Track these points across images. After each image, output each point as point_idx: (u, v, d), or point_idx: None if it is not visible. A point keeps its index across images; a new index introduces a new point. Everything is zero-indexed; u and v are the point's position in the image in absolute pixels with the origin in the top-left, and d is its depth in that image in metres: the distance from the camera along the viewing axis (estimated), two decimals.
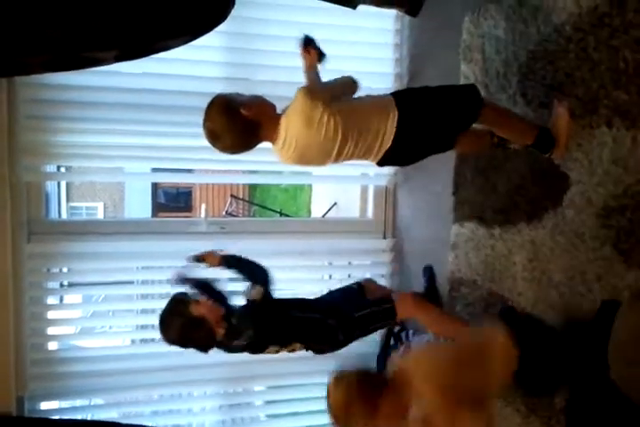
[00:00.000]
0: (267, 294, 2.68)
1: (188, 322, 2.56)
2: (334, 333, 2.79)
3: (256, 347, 2.75)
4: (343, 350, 2.91)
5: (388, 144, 2.42)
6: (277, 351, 2.80)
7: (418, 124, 2.43)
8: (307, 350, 2.87)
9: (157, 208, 18.82)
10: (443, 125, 2.48)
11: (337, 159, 2.48)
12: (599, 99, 2.36)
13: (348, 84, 2.52)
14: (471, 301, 3.23)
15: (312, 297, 3.11)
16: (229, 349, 2.77)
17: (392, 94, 2.50)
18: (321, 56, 2.50)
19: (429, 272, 3.57)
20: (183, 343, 2.63)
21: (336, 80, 2.49)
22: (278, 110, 2.42)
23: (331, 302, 2.99)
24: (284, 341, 2.77)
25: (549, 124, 2.57)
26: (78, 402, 3.90)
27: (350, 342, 2.89)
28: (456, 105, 2.47)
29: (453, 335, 3.21)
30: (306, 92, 2.30)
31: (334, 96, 2.38)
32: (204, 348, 2.67)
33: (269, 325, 2.70)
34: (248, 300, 2.69)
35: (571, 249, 2.54)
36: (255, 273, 2.74)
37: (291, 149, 2.40)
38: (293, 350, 2.83)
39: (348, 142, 2.39)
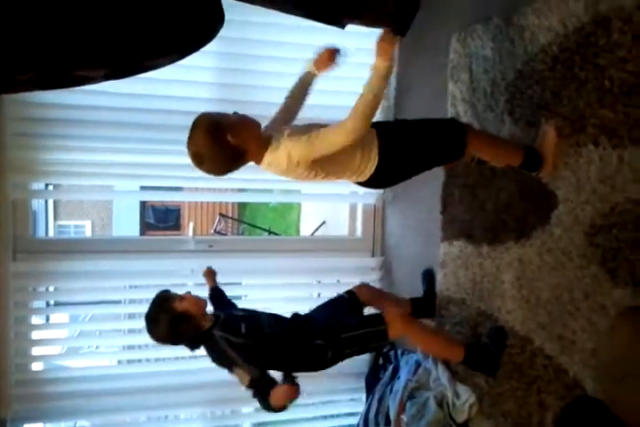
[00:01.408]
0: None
1: (175, 317, 2.60)
2: (323, 352, 2.74)
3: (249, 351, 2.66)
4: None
5: (369, 175, 2.45)
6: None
7: (400, 158, 2.46)
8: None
9: (145, 226, 18.76)
10: (426, 161, 2.53)
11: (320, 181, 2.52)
12: (586, 117, 2.38)
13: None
14: (460, 320, 3.21)
15: (302, 314, 3.06)
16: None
17: (374, 128, 2.42)
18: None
19: (429, 275, 3.54)
20: (172, 339, 2.67)
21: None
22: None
23: (319, 323, 2.93)
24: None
25: (537, 142, 2.58)
26: (62, 424, 3.84)
27: (339, 360, 2.83)
28: (440, 144, 2.50)
29: (443, 357, 3.21)
30: (291, 153, 2.26)
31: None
32: (193, 342, 2.70)
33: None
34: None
35: (558, 267, 2.54)
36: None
37: (275, 172, 2.42)
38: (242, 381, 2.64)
39: (328, 179, 2.46)
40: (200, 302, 2.70)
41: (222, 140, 2.21)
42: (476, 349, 2.93)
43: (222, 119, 2.28)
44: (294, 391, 2.51)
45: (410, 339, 3.00)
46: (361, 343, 2.81)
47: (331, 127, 2.25)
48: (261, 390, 2.56)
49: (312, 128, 2.29)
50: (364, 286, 3.36)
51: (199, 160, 2.26)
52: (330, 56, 2.58)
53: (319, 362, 2.79)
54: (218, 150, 2.23)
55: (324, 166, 2.36)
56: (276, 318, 2.88)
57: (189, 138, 2.25)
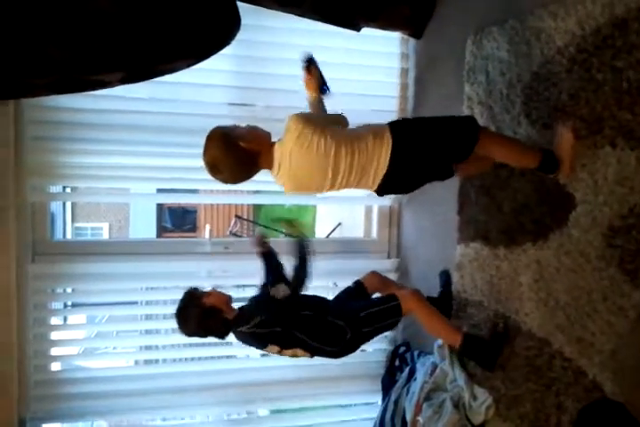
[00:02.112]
0: (290, 297, 2.81)
1: (203, 313, 2.78)
2: (342, 332, 2.86)
3: (259, 338, 2.86)
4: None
5: (383, 169, 2.46)
6: (279, 352, 2.89)
7: (413, 150, 2.47)
8: (311, 355, 2.93)
9: (162, 229, 18.82)
10: (438, 153, 2.51)
11: (333, 183, 2.51)
12: (603, 119, 2.37)
13: (340, 118, 2.63)
14: (477, 321, 3.20)
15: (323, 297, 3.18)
16: (236, 335, 2.88)
17: (388, 123, 2.53)
18: (323, 86, 2.66)
19: (446, 277, 3.53)
20: (202, 333, 2.87)
21: (328, 114, 2.61)
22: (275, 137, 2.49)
23: (337, 305, 3.09)
24: (286, 342, 2.85)
25: (554, 145, 2.58)
26: (80, 424, 3.87)
27: (359, 342, 2.95)
28: (451, 135, 2.50)
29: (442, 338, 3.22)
30: (297, 116, 2.38)
31: (326, 123, 2.46)
32: (222, 334, 2.89)
33: (278, 321, 2.80)
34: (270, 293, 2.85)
35: (576, 269, 2.53)
36: (300, 273, 2.89)
37: (286, 172, 2.45)
38: (295, 355, 2.92)
39: (342, 163, 2.43)
40: (224, 297, 2.87)
41: (235, 148, 2.37)
42: (473, 339, 3.03)
43: (234, 129, 2.45)
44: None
45: (417, 316, 3.04)
46: (378, 320, 2.93)
47: None
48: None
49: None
50: (372, 274, 3.39)
51: (215, 170, 2.41)
52: (310, 79, 2.72)
53: (340, 342, 2.89)
54: (232, 158, 2.38)
55: (339, 141, 2.41)
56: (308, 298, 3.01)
57: (205, 150, 2.40)
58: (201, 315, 2.78)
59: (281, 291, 2.82)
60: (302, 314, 2.86)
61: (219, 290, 2.93)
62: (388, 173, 2.47)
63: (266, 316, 2.78)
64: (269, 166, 2.47)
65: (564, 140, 2.51)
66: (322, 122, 2.45)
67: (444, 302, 3.43)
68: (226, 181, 2.48)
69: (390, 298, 2.97)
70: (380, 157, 2.44)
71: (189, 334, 2.86)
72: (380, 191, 2.61)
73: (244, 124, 2.48)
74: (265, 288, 2.99)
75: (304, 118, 2.37)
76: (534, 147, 2.64)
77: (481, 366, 3.04)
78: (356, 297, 3.20)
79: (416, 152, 2.47)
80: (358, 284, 3.30)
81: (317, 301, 3.04)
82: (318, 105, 2.73)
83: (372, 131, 2.46)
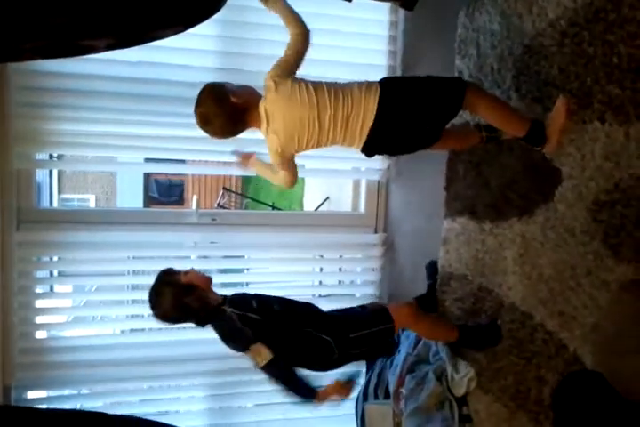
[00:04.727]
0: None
1: (179, 289, 2.59)
2: (330, 351, 2.69)
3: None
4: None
5: (369, 122, 2.41)
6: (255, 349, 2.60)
7: (400, 102, 2.43)
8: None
9: (149, 201, 18.79)
10: (426, 107, 2.45)
11: (320, 138, 2.47)
12: (593, 94, 2.36)
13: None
14: (461, 295, 3.23)
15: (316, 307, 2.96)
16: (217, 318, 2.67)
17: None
18: None
19: (433, 268, 3.52)
20: (178, 313, 2.62)
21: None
22: None
23: (327, 316, 2.87)
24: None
25: (547, 117, 2.55)
26: (66, 391, 3.88)
27: (345, 362, 2.80)
28: (439, 89, 2.47)
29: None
30: (272, 72, 2.42)
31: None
32: (200, 318, 2.66)
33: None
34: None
35: (561, 244, 2.54)
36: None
37: (273, 125, 2.43)
38: (258, 355, 2.57)
39: (326, 114, 2.40)
40: (204, 277, 2.69)
41: (226, 100, 2.41)
42: (468, 331, 3.05)
43: (227, 84, 2.49)
44: (346, 390, 2.64)
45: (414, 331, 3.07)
46: (368, 344, 2.78)
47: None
48: (280, 375, 2.59)
49: None
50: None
51: (205, 121, 2.44)
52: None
53: (325, 359, 2.73)
54: (222, 109, 2.41)
55: (322, 89, 2.41)
56: (285, 300, 2.86)
57: (197, 102, 2.45)
58: (177, 292, 2.58)
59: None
60: (287, 329, 2.68)
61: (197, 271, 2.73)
62: (374, 128, 2.41)
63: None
64: (258, 124, 2.48)
65: (558, 114, 2.49)
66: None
67: (431, 297, 3.45)
68: (214, 135, 2.51)
69: (385, 319, 2.80)
70: (367, 110, 2.39)
71: (164, 316, 2.62)
72: (367, 149, 2.54)
73: (235, 84, 2.52)
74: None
75: (278, 73, 2.41)
76: (525, 115, 2.62)
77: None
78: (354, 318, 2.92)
79: (404, 104, 2.43)
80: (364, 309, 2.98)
81: (305, 313, 2.82)
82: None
83: (358, 83, 2.46)
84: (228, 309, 2.61)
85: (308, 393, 2.63)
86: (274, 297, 2.85)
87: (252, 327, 2.57)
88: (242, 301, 2.69)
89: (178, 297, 2.58)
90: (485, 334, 2.99)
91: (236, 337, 2.63)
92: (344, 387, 2.71)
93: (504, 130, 2.70)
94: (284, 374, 2.61)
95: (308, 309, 2.87)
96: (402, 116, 2.44)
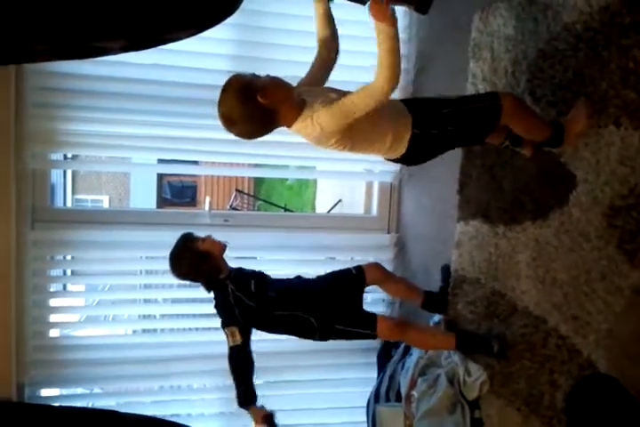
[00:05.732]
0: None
1: (197, 256, 2.87)
2: (312, 331, 2.98)
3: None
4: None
5: (401, 152, 2.42)
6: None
7: (433, 144, 2.45)
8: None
9: (162, 203, 18.83)
10: (459, 138, 2.49)
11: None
12: (608, 98, 2.35)
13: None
14: (473, 299, 3.22)
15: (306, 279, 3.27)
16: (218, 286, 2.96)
17: (407, 107, 2.40)
18: None
19: (448, 271, 3.50)
20: (193, 276, 2.95)
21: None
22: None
23: (319, 297, 3.07)
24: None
25: (564, 121, 2.52)
26: (79, 390, 3.91)
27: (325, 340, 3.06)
28: (474, 120, 2.41)
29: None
30: (322, 123, 2.18)
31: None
32: (211, 282, 2.95)
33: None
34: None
35: (575, 248, 2.53)
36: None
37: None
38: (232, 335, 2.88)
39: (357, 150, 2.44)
40: (220, 245, 2.94)
41: (254, 101, 2.13)
42: (466, 338, 3.12)
43: (254, 80, 2.20)
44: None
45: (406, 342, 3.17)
46: (347, 338, 3.05)
47: (359, 89, 2.16)
48: (237, 363, 2.87)
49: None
50: (375, 265, 3.40)
51: (230, 122, 2.19)
52: None
53: (307, 334, 3.03)
54: (249, 111, 2.16)
55: (355, 143, 2.34)
56: (283, 285, 3.10)
57: (220, 99, 2.19)
58: (194, 258, 2.86)
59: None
60: (275, 314, 2.97)
61: (214, 238, 2.97)
62: (406, 153, 2.43)
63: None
64: (287, 125, 2.27)
65: (579, 117, 2.45)
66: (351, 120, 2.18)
67: (442, 298, 3.45)
68: (240, 135, 2.28)
69: (371, 325, 2.99)
70: (397, 150, 2.41)
71: (180, 275, 2.93)
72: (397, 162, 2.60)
73: (263, 74, 2.25)
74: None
75: (333, 128, 2.19)
76: (546, 121, 2.58)
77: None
78: (350, 287, 3.21)
79: (438, 140, 2.45)
80: (359, 271, 3.27)
81: (292, 293, 3.07)
82: (327, 19, 2.46)
83: (393, 130, 2.34)
84: (230, 285, 2.91)
85: (245, 398, 2.85)
86: (272, 280, 3.11)
87: (243, 310, 2.89)
88: (242, 280, 2.98)
89: (195, 263, 2.87)
90: (484, 343, 3.01)
91: (224, 311, 2.94)
92: (263, 420, 2.84)
93: (526, 137, 2.65)
94: (241, 363, 2.88)
95: (304, 293, 3.08)
96: (436, 144, 2.48)
